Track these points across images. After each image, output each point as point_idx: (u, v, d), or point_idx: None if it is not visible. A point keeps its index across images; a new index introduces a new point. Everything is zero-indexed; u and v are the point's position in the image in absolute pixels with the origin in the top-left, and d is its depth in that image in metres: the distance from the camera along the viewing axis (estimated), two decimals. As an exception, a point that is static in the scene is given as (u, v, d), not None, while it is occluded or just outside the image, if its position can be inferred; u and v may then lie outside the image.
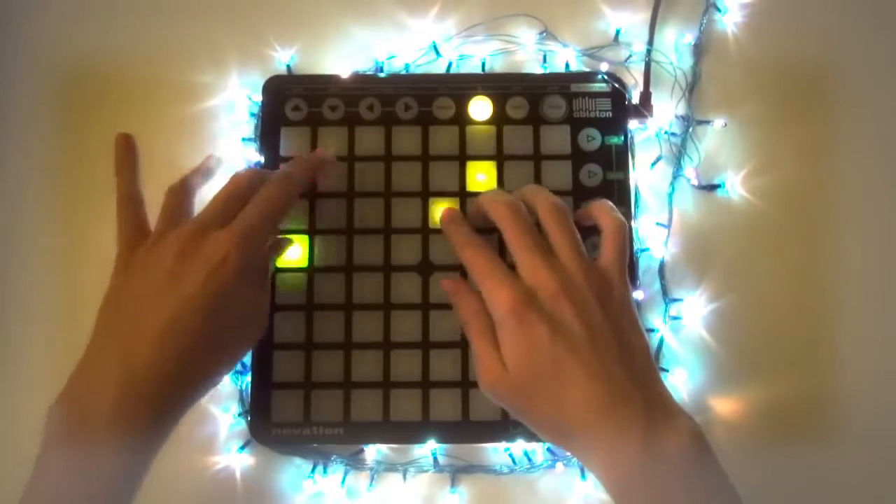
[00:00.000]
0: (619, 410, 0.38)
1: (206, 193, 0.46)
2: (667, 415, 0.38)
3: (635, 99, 0.52)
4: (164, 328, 0.39)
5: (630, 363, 0.39)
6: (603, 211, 0.45)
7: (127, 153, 0.46)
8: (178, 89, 0.54)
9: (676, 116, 0.53)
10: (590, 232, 0.46)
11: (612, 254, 0.43)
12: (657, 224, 0.52)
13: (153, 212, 0.45)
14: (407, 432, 0.49)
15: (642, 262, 0.51)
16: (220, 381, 0.44)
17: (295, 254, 0.50)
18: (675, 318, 0.51)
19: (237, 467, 0.50)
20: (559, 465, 0.49)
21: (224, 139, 0.53)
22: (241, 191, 0.44)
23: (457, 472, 0.49)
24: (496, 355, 0.40)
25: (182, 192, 0.46)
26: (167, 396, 0.39)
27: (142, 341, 0.39)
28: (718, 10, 0.54)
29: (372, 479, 0.49)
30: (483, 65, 0.54)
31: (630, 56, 0.54)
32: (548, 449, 0.50)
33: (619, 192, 0.51)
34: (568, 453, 0.45)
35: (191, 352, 0.40)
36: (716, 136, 0.53)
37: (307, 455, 0.50)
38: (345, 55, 0.54)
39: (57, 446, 0.38)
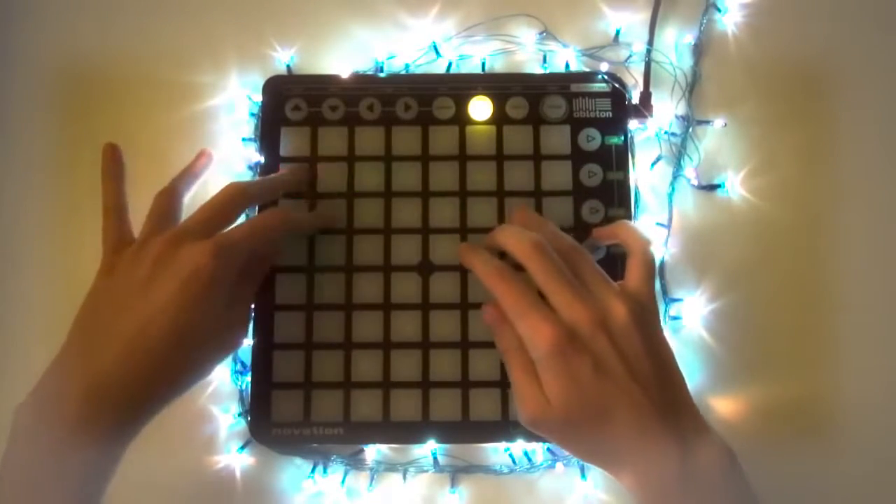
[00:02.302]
0: (657, 432, 0.39)
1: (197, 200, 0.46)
2: (699, 434, 0.40)
3: (635, 99, 0.52)
4: (132, 336, 0.39)
5: (665, 384, 0.40)
6: (629, 232, 0.45)
7: (113, 163, 0.47)
8: (178, 89, 0.54)
9: (676, 116, 0.53)
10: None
11: (642, 277, 0.43)
12: (657, 224, 0.52)
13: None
14: (407, 432, 0.49)
15: (642, 262, 0.51)
16: (187, 390, 0.43)
17: (293, 255, 0.50)
18: (675, 318, 0.51)
19: (237, 467, 0.50)
20: (559, 465, 0.49)
21: (224, 139, 0.53)
22: (228, 204, 0.44)
23: (457, 472, 0.49)
24: (538, 390, 0.40)
25: (168, 197, 0.46)
26: (130, 405, 0.39)
27: (109, 347, 0.39)
28: (718, 10, 0.54)
29: (372, 479, 0.49)
30: (483, 65, 0.54)
31: (630, 56, 0.54)
32: (548, 449, 0.50)
33: (619, 192, 0.51)
34: (604, 471, 0.45)
35: (157, 360, 0.40)
36: (716, 136, 0.53)
37: (307, 455, 0.50)
38: (345, 55, 0.54)
39: (22, 446, 0.38)
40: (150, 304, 0.40)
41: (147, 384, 0.40)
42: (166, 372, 0.41)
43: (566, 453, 0.49)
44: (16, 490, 0.38)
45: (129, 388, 0.39)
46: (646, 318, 0.41)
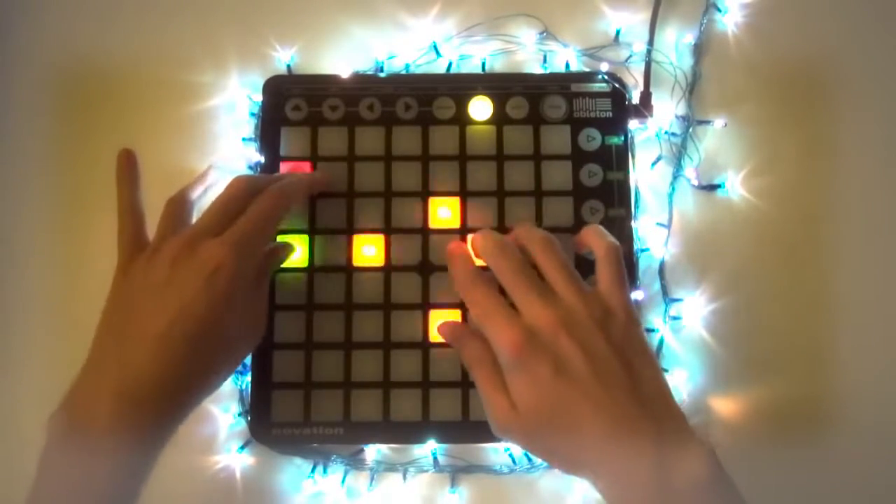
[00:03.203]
0: (628, 440, 0.37)
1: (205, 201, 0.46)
2: (678, 443, 0.38)
3: (635, 99, 0.52)
4: (161, 335, 0.39)
5: (638, 390, 0.39)
6: (593, 236, 0.44)
7: (129, 168, 0.46)
8: (178, 89, 0.54)
9: (676, 116, 0.53)
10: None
11: (608, 279, 0.42)
12: (657, 224, 0.52)
13: (155, 217, 0.45)
14: (407, 432, 0.49)
15: (642, 262, 0.51)
16: (220, 385, 0.44)
17: (295, 254, 0.50)
18: (675, 318, 0.51)
19: (237, 467, 0.50)
20: (559, 465, 0.49)
21: (224, 139, 0.53)
22: (238, 199, 0.44)
23: (457, 472, 0.49)
24: (505, 398, 0.40)
25: (180, 203, 0.46)
26: (165, 403, 0.39)
27: (140, 349, 0.39)
28: (718, 10, 0.54)
29: (372, 479, 0.49)
30: (483, 65, 0.54)
31: (630, 56, 0.54)
32: (548, 449, 0.50)
33: (619, 192, 0.51)
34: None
35: (189, 358, 0.40)
36: (716, 136, 0.53)
37: (307, 455, 0.50)
38: (345, 55, 0.54)
39: (57, 454, 0.38)
40: (177, 304, 0.40)
41: (179, 383, 0.40)
42: (199, 369, 0.41)
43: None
44: (57, 498, 0.37)
45: (162, 389, 0.39)
46: (613, 320, 0.40)
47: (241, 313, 0.43)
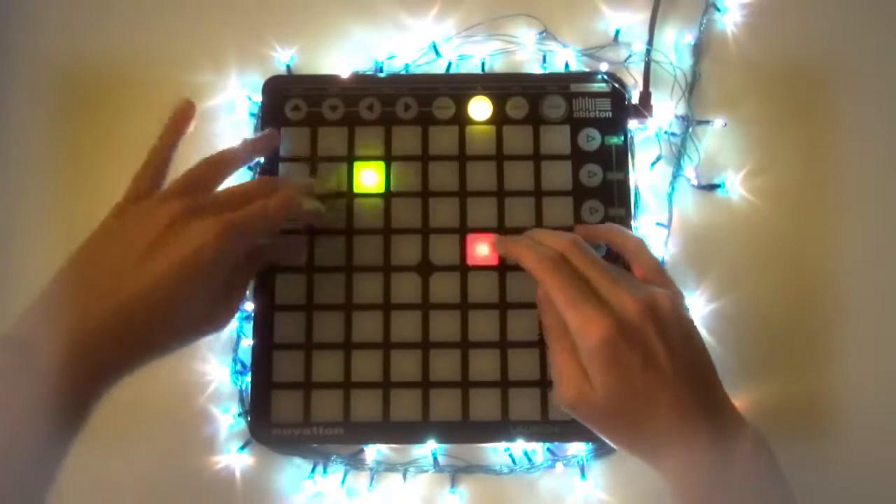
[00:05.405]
0: (697, 425, 0.39)
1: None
2: (737, 427, 0.40)
3: (635, 99, 0.52)
4: (127, 300, 0.39)
5: (704, 376, 0.41)
6: (623, 235, 0.46)
7: (183, 120, 0.46)
8: (178, 89, 0.54)
9: (676, 116, 0.53)
10: None
11: (660, 271, 0.44)
12: (657, 224, 0.52)
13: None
14: (407, 432, 0.49)
15: (642, 262, 0.51)
16: (163, 356, 0.42)
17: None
18: (675, 318, 0.51)
19: (237, 467, 0.50)
20: (559, 465, 0.49)
21: (224, 139, 0.53)
22: (254, 194, 0.44)
23: (457, 472, 0.49)
24: (583, 376, 0.40)
25: (214, 167, 0.45)
26: (111, 362, 0.39)
27: (102, 305, 0.39)
28: (718, 10, 0.54)
29: (372, 479, 0.49)
30: (483, 65, 0.54)
31: (630, 56, 0.54)
32: (548, 449, 0.50)
33: (619, 192, 0.51)
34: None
35: (145, 328, 0.40)
36: (716, 136, 0.53)
37: (307, 455, 0.50)
38: (345, 55, 0.54)
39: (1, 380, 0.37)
40: (150, 272, 0.40)
41: (130, 349, 0.40)
42: (151, 340, 0.41)
43: (566, 453, 0.49)
44: None
45: (112, 349, 0.39)
46: (684, 305, 0.42)
47: (209, 300, 0.43)
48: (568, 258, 0.43)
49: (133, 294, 0.39)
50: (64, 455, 0.38)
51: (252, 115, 0.53)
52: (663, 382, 0.39)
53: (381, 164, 0.51)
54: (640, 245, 0.45)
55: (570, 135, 0.51)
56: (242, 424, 0.50)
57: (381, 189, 0.51)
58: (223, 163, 0.46)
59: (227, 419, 0.50)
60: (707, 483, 0.39)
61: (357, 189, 0.51)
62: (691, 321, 0.42)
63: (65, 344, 0.38)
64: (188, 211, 0.41)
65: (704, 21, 0.54)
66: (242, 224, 0.42)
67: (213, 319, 0.45)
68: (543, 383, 0.49)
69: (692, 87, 0.53)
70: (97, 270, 0.40)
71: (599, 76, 0.52)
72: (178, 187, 0.43)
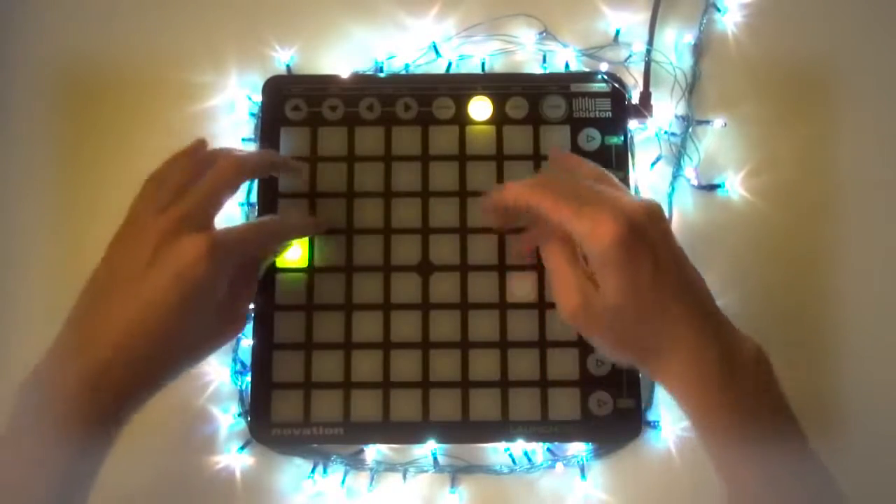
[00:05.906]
0: (700, 325, 0.39)
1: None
2: (734, 332, 0.41)
3: (635, 99, 0.52)
4: (131, 325, 0.39)
5: (702, 286, 0.41)
6: (573, 160, 0.48)
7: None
8: (178, 89, 0.54)
9: (676, 116, 0.53)
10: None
11: (621, 188, 0.44)
12: (657, 224, 0.52)
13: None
14: (407, 432, 0.49)
15: (642, 262, 0.51)
16: (180, 375, 0.43)
17: (295, 254, 0.50)
18: (675, 317, 0.51)
19: (237, 467, 0.50)
20: (559, 465, 0.49)
21: (224, 139, 0.53)
22: (229, 188, 0.43)
23: (457, 472, 0.49)
24: (587, 282, 0.40)
25: (234, 176, 0.44)
26: (128, 392, 0.39)
27: (108, 336, 0.39)
28: (718, 10, 0.54)
29: (372, 479, 0.49)
30: (483, 65, 0.54)
31: (630, 56, 0.54)
32: (548, 449, 0.50)
33: (619, 192, 0.51)
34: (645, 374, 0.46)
35: (155, 350, 0.40)
36: (716, 136, 0.53)
37: (307, 455, 0.50)
38: (345, 55, 0.54)
39: (19, 429, 0.38)
40: (150, 293, 0.39)
41: (145, 373, 0.40)
42: (165, 361, 0.41)
43: (566, 453, 0.49)
44: (9, 472, 0.38)
45: (126, 379, 0.39)
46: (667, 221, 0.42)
47: (210, 316, 0.42)
48: (550, 180, 0.42)
49: (137, 321, 0.39)
50: (91, 486, 0.39)
51: (252, 115, 0.53)
52: (671, 286, 0.39)
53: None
54: (600, 171, 0.45)
55: (570, 135, 0.51)
56: (242, 424, 0.50)
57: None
58: (242, 172, 0.45)
59: (227, 419, 0.50)
60: (711, 380, 0.39)
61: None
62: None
63: (78, 382, 0.38)
64: (171, 226, 0.40)
65: (704, 21, 0.54)
66: (229, 245, 0.41)
67: (219, 335, 0.45)
68: (543, 383, 0.49)
69: (692, 87, 0.53)
70: (101, 303, 0.41)
71: (599, 76, 0.52)
72: (143, 207, 0.43)
